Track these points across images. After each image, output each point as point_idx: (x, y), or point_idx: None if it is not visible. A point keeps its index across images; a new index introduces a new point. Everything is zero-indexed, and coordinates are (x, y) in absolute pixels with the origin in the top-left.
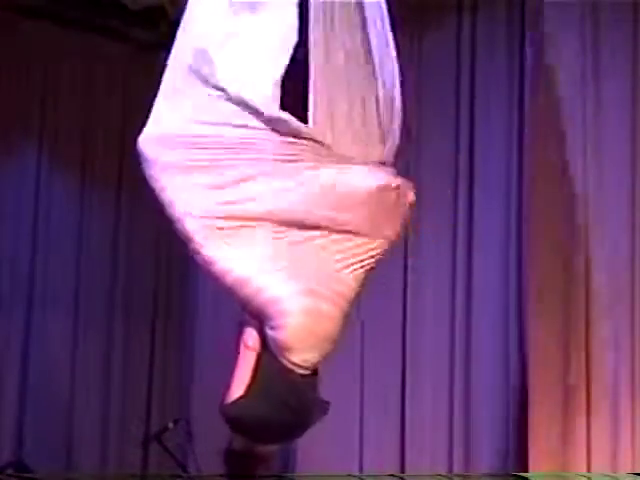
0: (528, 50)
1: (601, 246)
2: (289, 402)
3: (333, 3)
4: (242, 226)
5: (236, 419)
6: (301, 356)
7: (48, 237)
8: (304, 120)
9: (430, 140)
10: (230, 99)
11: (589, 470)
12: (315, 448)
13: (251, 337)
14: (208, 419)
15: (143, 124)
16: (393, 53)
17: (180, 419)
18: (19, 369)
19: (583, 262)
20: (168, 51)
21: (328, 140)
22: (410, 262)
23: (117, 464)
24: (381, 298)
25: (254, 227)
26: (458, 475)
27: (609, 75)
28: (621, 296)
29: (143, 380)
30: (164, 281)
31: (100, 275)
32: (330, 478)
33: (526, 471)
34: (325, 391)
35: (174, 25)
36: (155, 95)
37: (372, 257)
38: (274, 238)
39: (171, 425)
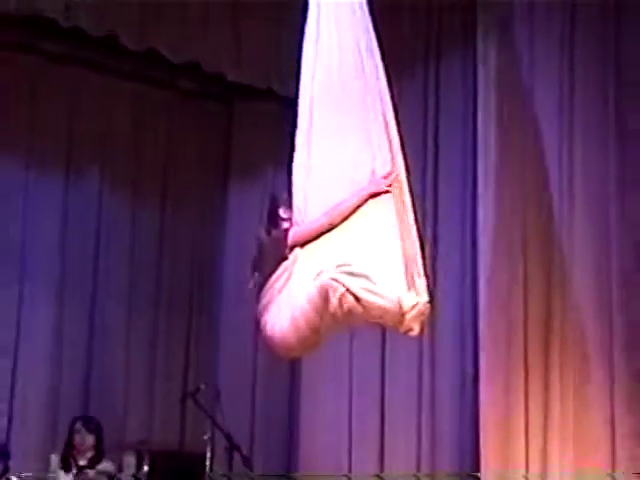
0: (479, 91)
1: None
2: None
3: None
4: None
5: None
6: None
7: (107, 246)
8: None
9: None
10: None
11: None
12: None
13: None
14: (232, 382)
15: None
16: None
17: (210, 382)
18: (87, 340)
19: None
20: (204, 97)
21: None
22: None
23: (161, 417)
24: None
25: None
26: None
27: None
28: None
29: (182, 352)
30: (196, 281)
31: (148, 273)
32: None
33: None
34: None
35: (207, 76)
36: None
37: None
38: None
39: (203, 387)
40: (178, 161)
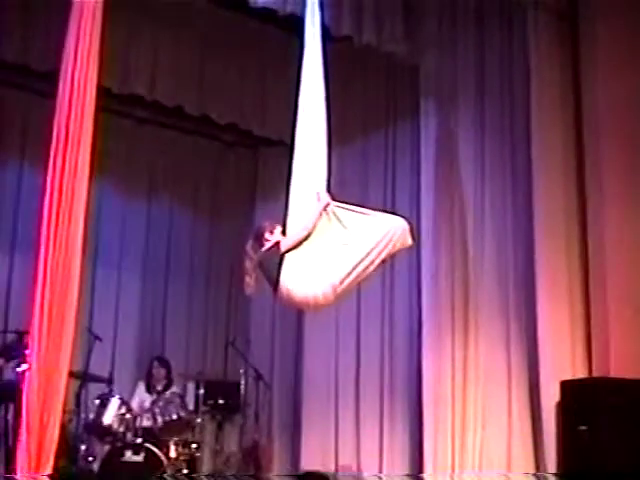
0: (422, 145)
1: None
2: None
3: None
4: None
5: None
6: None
7: (176, 244)
8: None
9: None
10: None
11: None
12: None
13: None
14: (258, 333)
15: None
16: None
17: (244, 333)
18: (162, 304)
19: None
20: (239, 146)
21: None
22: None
23: (212, 356)
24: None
25: None
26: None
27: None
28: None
29: (224, 313)
30: (234, 267)
31: (202, 261)
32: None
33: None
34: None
35: (241, 132)
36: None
37: None
38: None
39: (238, 338)
40: (222, 189)
